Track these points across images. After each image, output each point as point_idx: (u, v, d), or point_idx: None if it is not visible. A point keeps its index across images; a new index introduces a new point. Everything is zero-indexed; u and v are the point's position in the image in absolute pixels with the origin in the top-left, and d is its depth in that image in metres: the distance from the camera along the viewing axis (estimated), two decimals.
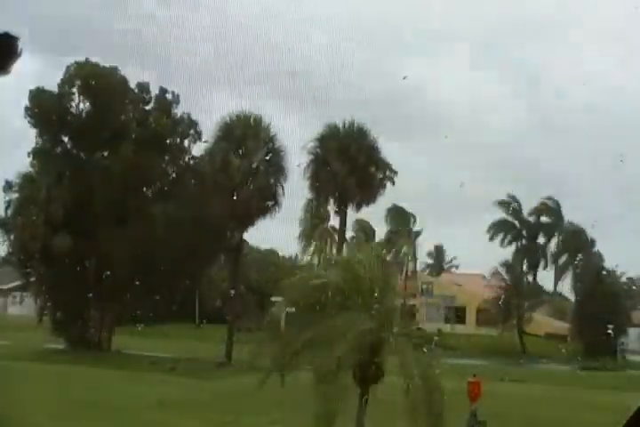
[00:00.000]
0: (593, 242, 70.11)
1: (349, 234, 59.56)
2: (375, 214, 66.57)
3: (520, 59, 78.58)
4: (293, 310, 21.85)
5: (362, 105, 66.06)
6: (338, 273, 18.99)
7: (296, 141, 64.28)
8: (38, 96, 47.23)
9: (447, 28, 79.10)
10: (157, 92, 49.87)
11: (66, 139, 49.50)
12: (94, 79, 47.07)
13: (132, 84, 49.20)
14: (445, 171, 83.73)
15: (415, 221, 73.00)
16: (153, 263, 46.46)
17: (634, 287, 73.70)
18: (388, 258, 69.12)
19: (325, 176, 49.20)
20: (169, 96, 49.92)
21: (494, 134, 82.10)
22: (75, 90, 48.06)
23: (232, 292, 51.52)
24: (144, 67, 72.12)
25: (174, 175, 51.17)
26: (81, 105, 48.53)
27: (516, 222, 74.05)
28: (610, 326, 59.95)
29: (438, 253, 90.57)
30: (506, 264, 68.83)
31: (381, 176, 51.37)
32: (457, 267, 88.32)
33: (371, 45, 78.15)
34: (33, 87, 47.30)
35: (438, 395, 17.32)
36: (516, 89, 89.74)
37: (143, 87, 49.66)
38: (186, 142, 50.66)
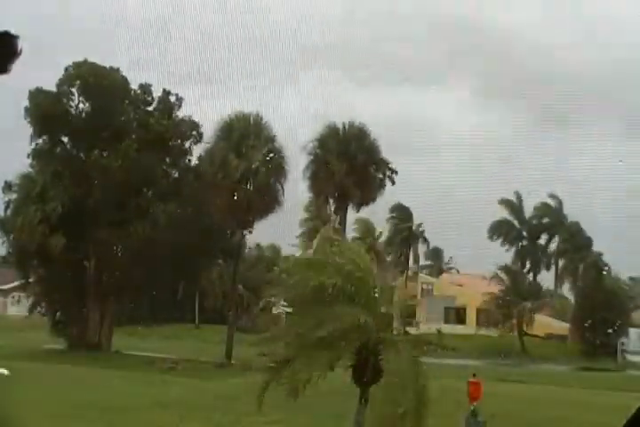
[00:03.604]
0: (592, 241, 70.25)
1: (350, 234, 59.54)
2: (376, 214, 66.46)
3: None
4: (292, 309, 21.83)
5: None
6: (337, 272, 18.95)
7: None
8: (38, 96, 47.22)
9: None
10: (160, 93, 49.96)
11: (65, 139, 49.52)
12: (93, 79, 47.06)
13: (134, 85, 49.34)
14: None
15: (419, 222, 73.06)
16: (153, 264, 46.47)
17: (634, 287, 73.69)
18: (389, 258, 69.55)
19: (325, 176, 49.19)
20: (172, 98, 49.98)
21: None
22: (74, 90, 48.08)
23: (232, 292, 51.55)
24: None
25: (174, 175, 51.15)
26: (81, 105, 48.61)
27: (516, 222, 74.15)
28: (610, 327, 60.00)
29: (438, 253, 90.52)
30: (506, 265, 68.87)
31: (381, 176, 51.40)
32: (457, 271, 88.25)
33: None
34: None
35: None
36: None
37: (145, 88, 49.66)
38: (187, 144, 50.69)
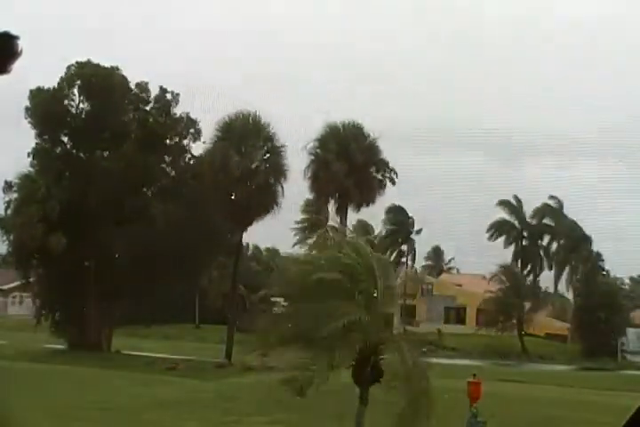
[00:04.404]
0: (592, 242, 70.23)
1: (349, 234, 59.42)
2: (375, 214, 66.43)
3: None
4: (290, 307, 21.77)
5: None
6: (336, 272, 18.90)
7: None
8: (38, 96, 47.25)
9: None
10: (158, 91, 49.98)
11: (66, 139, 49.54)
12: (94, 79, 47.11)
13: (132, 85, 49.34)
14: None
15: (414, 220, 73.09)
16: (153, 264, 46.45)
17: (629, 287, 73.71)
18: (388, 257, 69.51)
19: (325, 176, 49.13)
20: (168, 96, 49.96)
21: None
22: (75, 90, 48.13)
23: (232, 292, 51.52)
24: None
25: (174, 175, 51.17)
26: (81, 105, 48.63)
27: (516, 223, 74.13)
28: (609, 327, 60.02)
29: (438, 253, 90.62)
30: (506, 265, 68.86)
31: (381, 177, 51.37)
32: (457, 270, 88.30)
33: None
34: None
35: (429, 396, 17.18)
36: None
37: (142, 87, 49.68)
38: (185, 142, 50.71)
